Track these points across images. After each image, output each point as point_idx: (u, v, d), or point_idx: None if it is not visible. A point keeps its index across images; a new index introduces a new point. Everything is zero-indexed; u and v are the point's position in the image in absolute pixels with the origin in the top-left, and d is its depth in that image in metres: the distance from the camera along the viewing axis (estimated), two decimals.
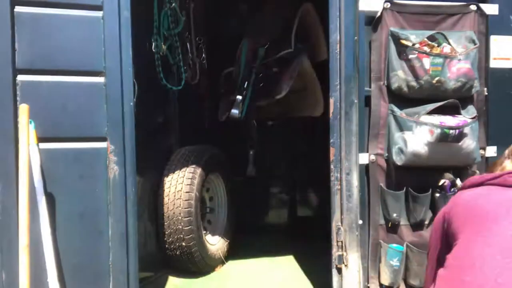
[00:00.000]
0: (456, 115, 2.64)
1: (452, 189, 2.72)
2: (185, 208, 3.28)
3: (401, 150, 2.63)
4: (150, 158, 3.38)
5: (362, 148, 2.74)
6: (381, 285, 2.77)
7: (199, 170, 3.41)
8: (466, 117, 2.63)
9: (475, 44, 2.68)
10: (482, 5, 2.76)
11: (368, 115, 2.75)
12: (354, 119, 2.70)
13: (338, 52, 2.70)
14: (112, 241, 2.38)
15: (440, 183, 2.70)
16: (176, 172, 3.38)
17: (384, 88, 2.72)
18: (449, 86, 2.63)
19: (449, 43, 2.66)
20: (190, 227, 3.29)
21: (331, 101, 2.72)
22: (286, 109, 4.10)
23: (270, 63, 3.97)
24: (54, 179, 2.32)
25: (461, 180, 2.73)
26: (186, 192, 3.30)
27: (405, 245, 2.73)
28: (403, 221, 2.76)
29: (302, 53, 3.79)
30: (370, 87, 2.74)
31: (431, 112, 2.61)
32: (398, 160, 2.65)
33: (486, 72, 2.81)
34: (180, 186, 3.32)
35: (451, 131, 2.54)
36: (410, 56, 2.61)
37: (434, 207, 2.74)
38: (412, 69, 2.62)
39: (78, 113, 2.35)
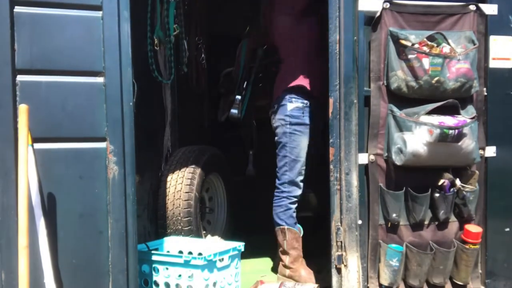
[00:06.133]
0: (456, 115, 2.64)
1: (452, 189, 2.72)
2: (184, 208, 3.28)
3: (400, 150, 2.63)
4: (150, 158, 3.38)
5: (362, 148, 2.74)
6: (380, 285, 2.77)
7: (198, 170, 3.41)
8: (465, 117, 2.63)
9: (474, 44, 2.68)
10: (481, 5, 2.76)
11: (367, 115, 2.75)
12: (354, 119, 2.71)
13: (338, 52, 2.70)
14: (112, 241, 2.38)
15: (440, 183, 2.70)
16: (175, 172, 3.37)
17: (384, 88, 2.72)
18: (449, 86, 2.62)
19: (448, 43, 2.66)
20: (189, 227, 3.29)
21: (331, 101, 2.72)
22: None
23: (269, 63, 3.96)
24: (54, 179, 2.32)
25: (461, 180, 2.74)
26: (186, 192, 3.30)
27: (404, 245, 2.73)
28: (403, 221, 2.76)
29: None
30: (369, 87, 2.74)
31: (430, 112, 2.61)
32: (398, 160, 2.65)
33: (485, 72, 2.81)
34: (179, 186, 3.31)
35: (450, 131, 2.54)
36: (410, 56, 2.61)
37: (433, 207, 2.74)
38: (412, 69, 2.62)
39: (77, 113, 2.35)
